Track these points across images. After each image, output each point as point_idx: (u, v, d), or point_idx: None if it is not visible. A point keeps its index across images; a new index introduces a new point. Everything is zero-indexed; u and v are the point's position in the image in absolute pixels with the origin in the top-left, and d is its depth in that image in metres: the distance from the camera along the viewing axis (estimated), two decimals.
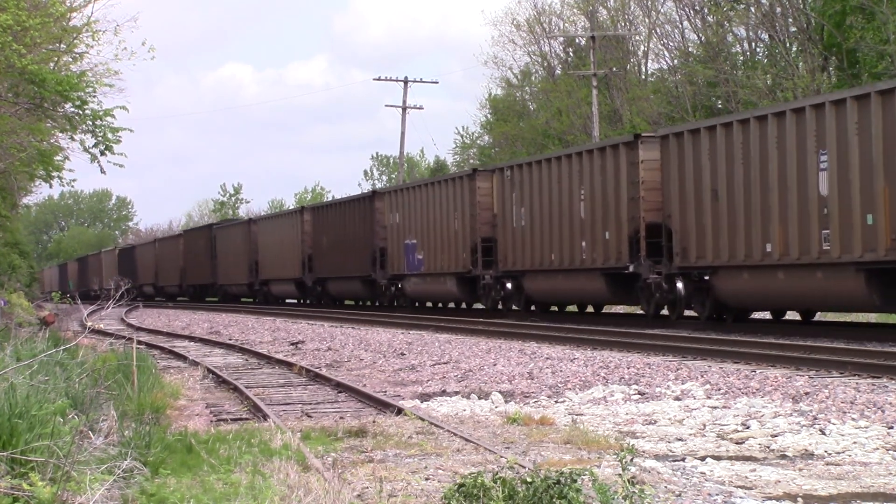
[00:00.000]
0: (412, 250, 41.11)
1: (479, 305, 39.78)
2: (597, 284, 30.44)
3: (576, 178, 31.16)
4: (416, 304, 43.63)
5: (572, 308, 36.92)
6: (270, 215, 66.23)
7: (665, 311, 28.89)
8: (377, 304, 47.79)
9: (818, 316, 27.55)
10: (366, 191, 58.69)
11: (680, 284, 27.40)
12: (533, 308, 35.11)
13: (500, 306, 36.34)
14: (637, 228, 28.57)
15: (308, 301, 54.71)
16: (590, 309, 36.09)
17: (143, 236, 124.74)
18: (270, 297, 60.05)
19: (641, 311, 30.70)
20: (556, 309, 36.57)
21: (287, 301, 59.94)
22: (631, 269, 28.70)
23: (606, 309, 36.78)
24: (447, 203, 38.52)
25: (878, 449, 11.48)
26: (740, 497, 9.33)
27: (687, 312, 28.27)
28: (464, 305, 42.03)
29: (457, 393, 17.43)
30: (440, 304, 43.23)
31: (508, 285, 35.30)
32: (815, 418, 13.19)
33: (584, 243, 30.80)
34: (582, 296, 33.33)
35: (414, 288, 41.84)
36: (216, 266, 68.03)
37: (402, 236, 41.97)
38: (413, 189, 42.06)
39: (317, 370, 21.13)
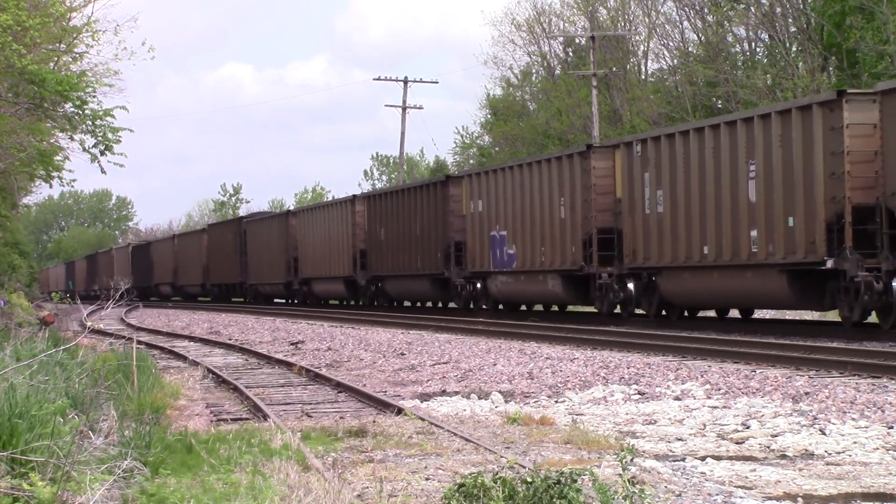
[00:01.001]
0: (500, 244, 35.48)
1: (581, 308, 35.51)
2: (773, 284, 24.23)
3: (742, 150, 24.85)
4: (502, 307, 37.42)
5: (707, 313, 30.47)
6: (313, 206, 58.05)
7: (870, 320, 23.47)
8: (447, 306, 42.69)
9: (817, 316, 27.55)
10: (438, 175, 52.44)
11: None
12: (664, 312, 29.11)
13: (617, 310, 30.71)
14: (840, 212, 22.34)
15: (361, 303, 48.71)
16: (764, 313, 30.43)
17: (143, 236, 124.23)
18: (312, 298, 54.57)
19: (835, 319, 25.48)
20: (707, 314, 30.15)
21: (332, 302, 54.75)
22: (830, 264, 22.54)
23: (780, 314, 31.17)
24: (550, 187, 32.51)
25: (878, 449, 11.48)
26: (740, 497, 9.34)
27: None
28: (570, 308, 36.85)
29: (457, 393, 17.43)
30: (538, 307, 37.54)
31: (631, 285, 29.45)
32: (815, 418, 13.19)
33: (754, 232, 24.66)
34: (749, 297, 26.35)
35: (502, 288, 35.89)
36: (246, 263, 62.04)
37: (487, 227, 36.14)
38: (503, 171, 35.72)
39: (317, 370, 21.13)
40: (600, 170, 30.36)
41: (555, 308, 37.11)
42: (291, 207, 58.18)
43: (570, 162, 31.54)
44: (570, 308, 36.83)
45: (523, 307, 37.51)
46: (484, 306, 37.55)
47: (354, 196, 48.52)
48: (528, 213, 33.86)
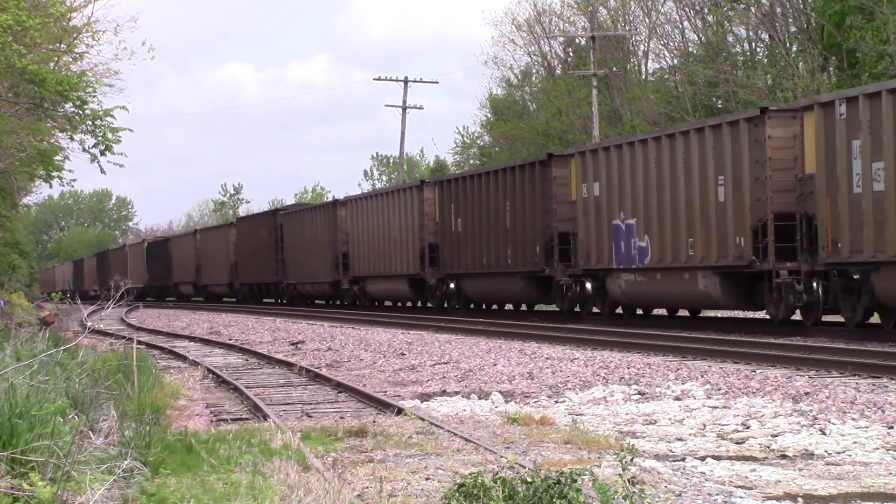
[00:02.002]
0: (627, 235, 29.13)
1: (742, 313, 30.51)
2: None
3: None
4: (621, 311, 30.86)
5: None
6: (368, 194, 50.73)
7: None
8: (536, 309, 37.56)
9: (820, 317, 27.36)
10: (536, 154, 45.11)
11: None
12: (879, 319, 23.28)
13: (788, 315, 24.65)
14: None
15: (430, 304, 42.27)
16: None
17: (143, 235, 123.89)
18: (364, 299, 47.96)
19: None
20: None
21: (391, 304, 48.20)
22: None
23: None
24: (702, 163, 26.22)
25: (878, 449, 11.48)
26: (740, 497, 9.33)
27: None
28: (731, 314, 30.93)
29: (457, 393, 17.43)
30: (680, 312, 30.94)
31: (815, 285, 23.60)
32: (815, 418, 13.20)
33: None
34: None
35: (629, 288, 29.32)
36: (283, 261, 55.74)
37: (608, 215, 29.78)
38: (629, 147, 29.17)
39: (317, 370, 21.13)
40: (779, 139, 24.41)
41: (706, 312, 30.58)
42: (340, 198, 51.04)
43: (735, 131, 25.33)
44: (719, 312, 30.96)
45: (656, 310, 31.55)
46: (596, 310, 31.55)
47: (423, 181, 41.87)
48: (667, 196, 27.43)
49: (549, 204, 32.44)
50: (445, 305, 40.16)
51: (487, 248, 36.23)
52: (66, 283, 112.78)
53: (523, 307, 38.52)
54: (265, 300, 61.21)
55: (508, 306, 39.70)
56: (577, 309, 32.25)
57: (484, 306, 40.12)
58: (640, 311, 31.01)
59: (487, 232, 36.17)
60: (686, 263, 26.92)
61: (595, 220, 30.43)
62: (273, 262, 56.86)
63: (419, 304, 44.84)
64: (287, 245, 55.51)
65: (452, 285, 39.37)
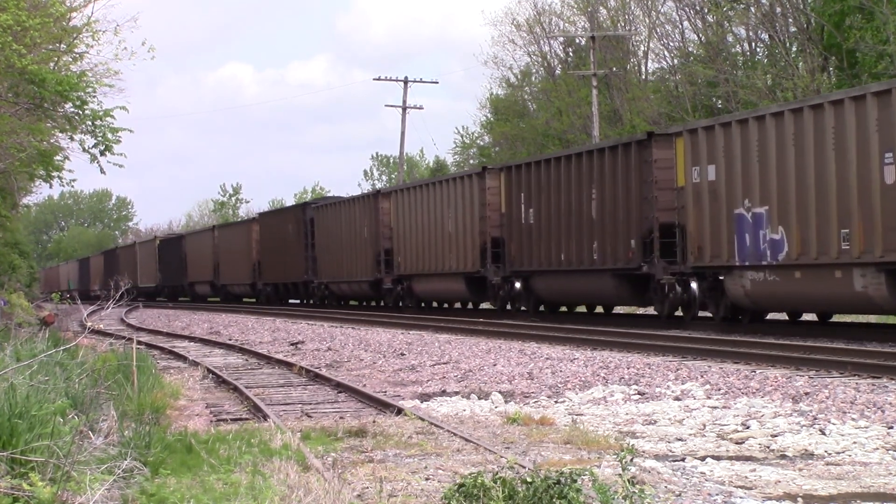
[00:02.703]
0: (755, 226, 24.55)
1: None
2: None
3: None
4: (743, 316, 25.96)
5: None
6: (416, 183, 44.88)
7: None
8: (620, 312, 34.32)
9: (817, 316, 27.33)
10: (634, 134, 38.61)
11: None
12: None
13: None
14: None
15: (490, 306, 38.37)
16: None
17: (142, 235, 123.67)
18: (411, 300, 42.93)
19: None
20: None
21: (440, 305, 43.35)
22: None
23: None
24: (864, 137, 21.56)
25: (878, 449, 11.48)
26: (740, 497, 9.33)
27: None
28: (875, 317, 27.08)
29: (457, 393, 17.43)
30: (833, 317, 26.64)
31: None
32: (815, 418, 13.20)
33: None
34: None
35: (756, 288, 24.64)
36: (314, 258, 51.27)
37: (728, 203, 24.98)
38: (758, 121, 24.38)
39: (317, 370, 21.13)
40: None
41: (872, 318, 26.71)
42: (382, 189, 46.70)
43: None
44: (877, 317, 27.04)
45: (807, 315, 26.88)
46: (705, 314, 27.48)
47: (485, 168, 37.22)
48: (810, 179, 22.95)
49: (648, 191, 27.77)
50: (509, 307, 36.04)
51: (567, 242, 31.54)
52: (73, 283, 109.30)
53: (596, 309, 34.98)
54: (290, 301, 57.18)
55: (579, 307, 35.86)
56: (680, 313, 27.95)
57: (558, 309, 35.38)
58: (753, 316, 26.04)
59: (567, 224, 31.45)
60: (838, 259, 22.43)
61: (710, 209, 25.67)
62: (302, 260, 52.37)
63: (472, 305, 41.47)
64: (319, 241, 50.88)
65: (518, 285, 34.80)
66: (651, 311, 31.43)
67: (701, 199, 26.10)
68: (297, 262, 53.10)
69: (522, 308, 35.06)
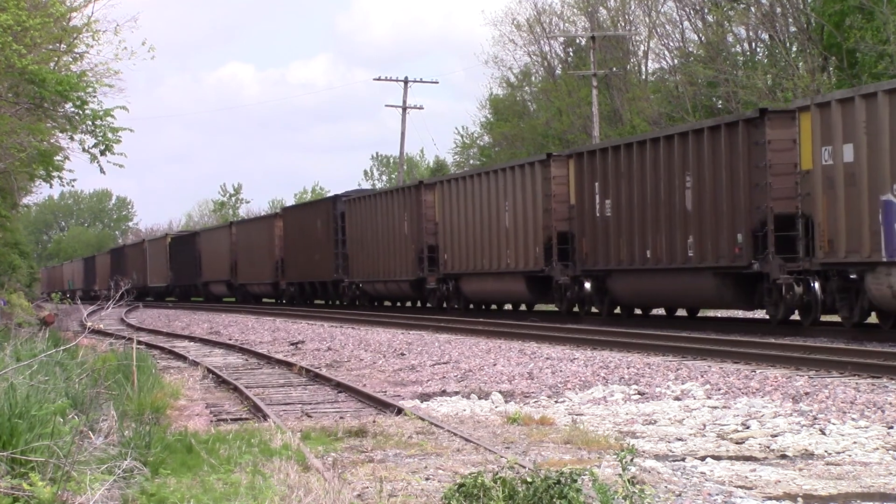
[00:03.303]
0: None
1: None
2: None
3: None
4: (882, 321, 22.59)
5: None
6: (466, 174, 40.01)
7: None
8: (727, 314, 30.88)
9: (822, 317, 27.17)
10: (740, 113, 34.79)
11: None
12: None
13: None
14: None
15: (561, 309, 32.93)
16: None
17: (142, 235, 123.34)
18: (458, 301, 38.87)
19: None
20: None
21: (492, 307, 39.43)
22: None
23: None
24: None
25: (878, 449, 11.48)
26: (740, 497, 9.33)
27: None
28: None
29: (457, 393, 17.43)
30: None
31: None
32: (815, 418, 13.20)
33: None
34: None
35: None
36: (345, 256, 47.67)
37: (873, 188, 21.49)
38: None
39: (317, 370, 21.14)
40: None
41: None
42: (425, 179, 42.79)
43: None
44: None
45: None
46: (833, 318, 24.21)
47: (550, 155, 33.19)
48: None
49: (760, 177, 24.52)
50: (576, 309, 32.42)
51: (654, 237, 27.74)
52: (77, 283, 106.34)
53: (677, 313, 30.67)
54: (317, 302, 53.92)
55: (658, 310, 31.50)
56: (797, 317, 24.82)
57: (634, 312, 31.19)
58: None
59: (655, 216, 27.72)
60: None
61: (846, 196, 22.21)
62: (331, 258, 48.57)
63: (524, 307, 38.24)
64: (351, 237, 47.14)
65: (588, 285, 31.13)
66: (750, 314, 29.54)
67: (834, 183, 22.43)
68: (326, 260, 49.40)
69: (593, 310, 31.57)
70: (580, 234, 31.16)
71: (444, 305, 39.86)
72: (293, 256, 54.00)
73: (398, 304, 46.86)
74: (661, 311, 31.48)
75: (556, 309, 33.76)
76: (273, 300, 59.78)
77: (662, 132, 28.78)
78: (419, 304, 44.29)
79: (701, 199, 26.06)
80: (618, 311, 30.94)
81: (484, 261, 36.04)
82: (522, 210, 33.56)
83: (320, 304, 52.68)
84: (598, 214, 30.33)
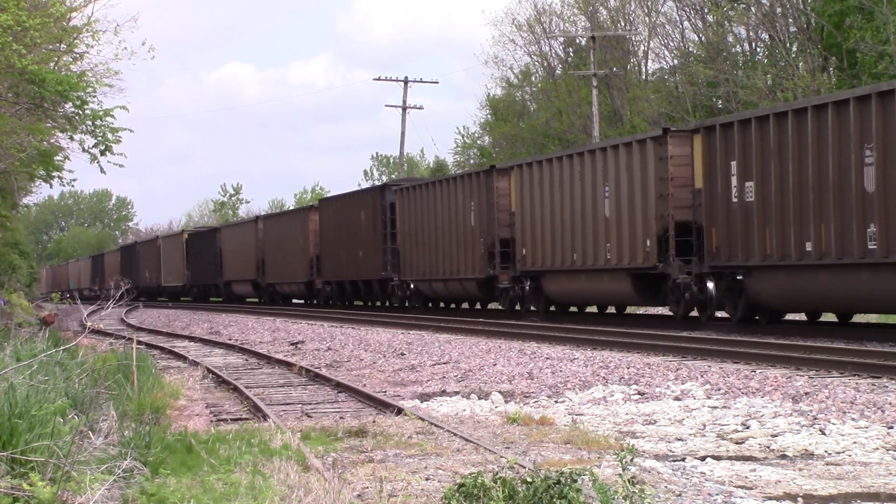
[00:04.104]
0: None
1: None
2: None
3: None
4: None
5: None
6: (550, 156, 33.65)
7: None
8: None
9: (822, 317, 27.18)
10: None
11: None
12: None
13: None
14: None
15: (678, 312, 27.47)
16: None
17: (143, 236, 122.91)
18: (539, 302, 33.88)
19: None
20: None
21: (578, 309, 34.90)
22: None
23: None
24: None
25: (878, 449, 11.48)
26: (740, 497, 9.33)
27: None
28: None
29: (457, 393, 17.43)
30: None
31: None
32: (815, 418, 13.19)
33: None
34: None
35: None
36: (395, 251, 42.76)
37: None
38: None
39: (317, 370, 21.14)
40: None
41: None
42: (498, 166, 37.00)
43: None
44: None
45: None
46: None
47: (666, 130, 27.90)
48: None
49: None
50: (694, 313, 27.57)
51: (818, 226, 22.87)
52: (83, 281, 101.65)
53: (822, 317, 26.19)
54: (357, 303, 49.59)
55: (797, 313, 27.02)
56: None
57: (782, 316, 26.37)
58: None
59: (820, 201, 22.75)
60: None
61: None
62: (378, 254, 43.77)
63: (613, 309, 33.53)
64: (403, 230, 42.13)
65: (711, 285, 26.24)
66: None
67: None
68: (372, 256, 44.50)
69: (724, 315, 26.79)
70: (710, 224, 25.94)
71: (518, 307, 35.20)
72: (331, 253, 49.26)
73: (461, 306, 42.01)
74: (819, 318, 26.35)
75: (671, 313, 28.41)
76: (304, 301, 55.93)
77: (831, 97, 23.57)
78: (486, 306, 40.30)
79: (886, 178, 21.39)
80: (757, 317, 25.66)
81: (575, 256, 30.89)
82: (628, 196, 28.45)
83: (360, 307, 48.16)
84: (735, 200, 25.13)
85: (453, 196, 38.35)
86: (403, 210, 42.34)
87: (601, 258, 29.72)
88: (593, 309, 34.89)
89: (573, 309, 34.97)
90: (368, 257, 44.99)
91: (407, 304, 42.87)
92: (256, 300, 61.68)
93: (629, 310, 34.09)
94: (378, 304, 46.77)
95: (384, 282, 44.15)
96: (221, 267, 64.84)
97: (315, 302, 52.64)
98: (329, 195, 65.64)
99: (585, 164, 30.56)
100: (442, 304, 42.09)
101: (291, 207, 72.46)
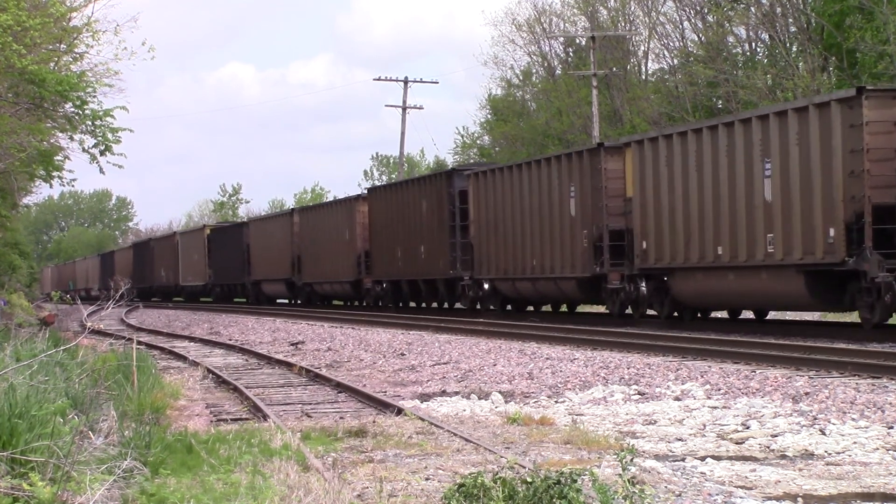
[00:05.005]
0: None
1: None
2: None
3: None
4: None
5: None
6: (670, 130, 28.32)
7: None
8: None
9: (822, 317, 27.27)
10: None
11: None
12: None
13: None
14: None
15: (873, 319, 21.85)
16: None
17: (143, 236, 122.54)
18: (664, 303, 27.92)
19: None
20: None
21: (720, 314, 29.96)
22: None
23: None
24: None
25: (878, 449, 11.48)
26: (740, 497, 9.33)
27: None
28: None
29: (457, 393, 17.43)
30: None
31: None
32: (815, 418, 13.19)
33: None
34: None
35: None
36: (467, 246, 37.28)
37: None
38: None
39: (317, 370, 21.13)
40: None
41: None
42: (603, 142, 32.60)
43: None
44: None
45: None
46: None
47: (862, 90, 22.10)
48: None
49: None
50: (893, 320, 22.94)
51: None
52: (91, 281, 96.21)
53: None
54: (411, 304, 43.70)
55: None
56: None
57: None
58: None
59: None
60: None
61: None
62: (445, 249, 38.31)
63: (763, 311, 28.30)
64: (479, 221, 36.61)
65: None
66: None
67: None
68: (437, 252, 39.02)
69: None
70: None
71: (628, 310, 29.94)
72: (383, 248, 43.82)
73: (554, 308, 36.86)
74: None
75: (865, 319, 22.31)
76: (344, 301, 51.43)
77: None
78: (573, 308, 35.82)
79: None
80: None
81: (720, 250, 25.52)
82: (799, 175, 23.14)
83: (416, 309, 43.10)
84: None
85: (546, 180, 32.60)
86: (478, 198, 36.68)
87: (759, 252, 24.35)
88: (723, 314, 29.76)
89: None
90: (432, 253, 39.45)
91: (479, 307, 37.36)
92: (287, 301, 57.44)
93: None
94: (446, 305, 41.47)
95: (452, 281, 38.50)
96: (249, 265, 59.86)
97: (364, 304, 47.50)
98: (384, 184, 59.09)
99: (736, 136, 24.89)
100: (530, 308, 36.74)
101: (336, 198, 62.40)
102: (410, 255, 41.27)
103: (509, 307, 36.81)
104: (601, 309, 33.75)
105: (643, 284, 28.58)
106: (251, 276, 59.69)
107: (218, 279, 65.71)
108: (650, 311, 29.05)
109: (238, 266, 61.21)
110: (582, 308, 36.95)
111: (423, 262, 40.29)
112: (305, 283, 52.64)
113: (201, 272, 67.60)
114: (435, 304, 42.36)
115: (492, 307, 36.75)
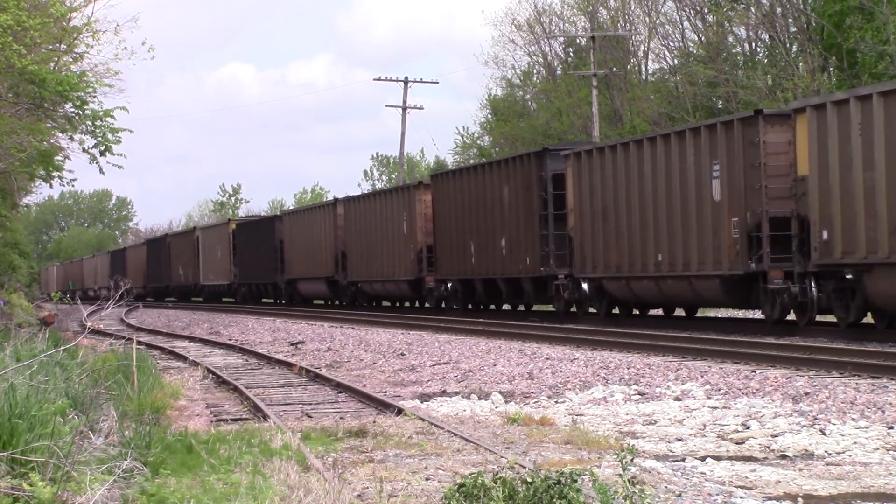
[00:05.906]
0: None
1: None
2: None
3: None
4: None
5: None
6: (859, 92, 21.77)
7: None
8: None
9: (818, 317, 27.21)
10: None
11: None
12: None
13: None
14: None
15: None
16: None
17: (143, 236, 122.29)
18: (848, 307, 22.33)
19: None
20: None
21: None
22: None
23: None
24: None
25: (878, 449, 11.48)
26: (740, 497, 9.33)
27: None
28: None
29: (457, 393, 17.43)
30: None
31: None
32: (815, 418, 13.20)
33: None
34: None
35: None
36: (559, 239, 31.97)
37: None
38: None
39: (317, 370, 21.13)
40: None
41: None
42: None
43: None
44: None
45: None
46: None
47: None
48: None
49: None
50: None
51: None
52: (100, 280, 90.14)
53: None
54: (495, 306, 38.36)
55: None
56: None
57: None
58: None
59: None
60: None
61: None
62: (534, 244, 32.60)
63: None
64: (582, 209, 30.77)
65: None
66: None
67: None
68: (524, 246, 33.32)
69: None
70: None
71: (794, 317, 24.22)
72: (451, 243, 38.14)
73: (688, 314, 30.14)
74: None
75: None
76: (399, 303, 46.33)
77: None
78: (694, 313, 30.05)
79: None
80: None
81: None
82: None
83: (495, 312, 37.57)
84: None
85: (676, 159, 26.66)
86: (579, 182, 30.74)
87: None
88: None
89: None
90: (516, 248, 33.80)
91: (574, 310, 31.86)
92: (321, 301, 52.52)
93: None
94: (533, 308, 35.83)
95: (542, 280, 32.68)
96: (282, 262, 54.20)
97: (427, 306, 41.89)
98: (451, 168, 53.38)
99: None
100: (652, 311, 31.02)
101: (388, 186, 55.14)
102: (487, 250, 35.68)
103: (615, 310, 30.78)
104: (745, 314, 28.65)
105: (811, 284, 23.11)
106: (285, 275, 54.35)
107: (244, 278, 60.13)
108: (819, 317, 24.02)
109: (269, 264, 55.78)
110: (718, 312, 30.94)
111: (504, 258, 34.53)
112: (351, 281, 47.17)
113: (225, 270, 62.28)
114: (521, 307, 36.71)
115: (593, 310, 31.36)
